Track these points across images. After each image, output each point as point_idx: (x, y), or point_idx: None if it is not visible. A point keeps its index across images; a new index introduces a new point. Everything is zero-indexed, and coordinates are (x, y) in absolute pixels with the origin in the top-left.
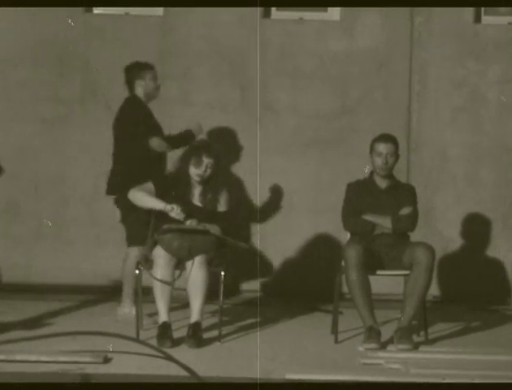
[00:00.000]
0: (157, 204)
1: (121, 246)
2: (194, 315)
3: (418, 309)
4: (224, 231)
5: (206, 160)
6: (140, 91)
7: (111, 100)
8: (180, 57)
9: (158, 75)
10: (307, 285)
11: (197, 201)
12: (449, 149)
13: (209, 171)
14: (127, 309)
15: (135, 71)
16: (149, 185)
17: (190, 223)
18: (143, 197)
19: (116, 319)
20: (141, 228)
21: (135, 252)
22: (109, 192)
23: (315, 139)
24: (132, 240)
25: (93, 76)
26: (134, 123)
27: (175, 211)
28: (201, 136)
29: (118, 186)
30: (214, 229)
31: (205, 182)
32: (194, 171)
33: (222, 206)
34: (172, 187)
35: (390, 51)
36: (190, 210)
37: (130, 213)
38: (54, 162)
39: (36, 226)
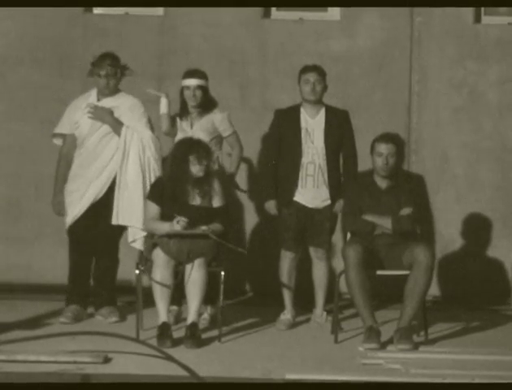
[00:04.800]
0: (168, 227)
1: (121, 248)
2: (191, 316)
3: (418, 309)
4: (225, 226)
5: (198, 155)
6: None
7: None
8: (180, 57)
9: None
10: (306, 285)
11: (192, 200)
12: (448, 149)
13: (205, 162)
14: (288, 315)
15: None
16: (153, 207)
17: (180, 224)
18: (156, 226)
19: (278, 328)
20: (291, 233)
21: (288, 255)
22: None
23: None
24: (283, 245)
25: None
26: None
27: (181, 223)
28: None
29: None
30: (215, 227)
31: (197, 179)
32: (195, 169)
33: (217, 201)
34: (166, 189)
35: (390, 51)
36: (187, 211)
37: (279, 219)
38: (54, 162)
39: (37, 226)
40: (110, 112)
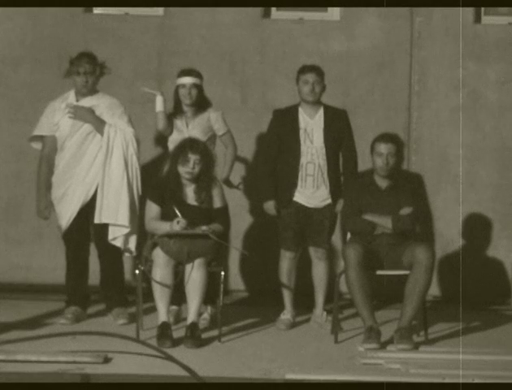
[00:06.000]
0: (168, 226)
1: None
2: (191, 316)
3: (418, 309)
4: (225, 227)
5: (193, 157)
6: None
7: None
8: (180, 57)
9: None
10: (306, 285)
11: (191, 200)
12: (448, 149)
13: (197, 167)
14: (288, 315)
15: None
16: (153, 207)
17: (180, 225)
18: (157, 226)
19: (278, 327)
20: (290, 232)
21: (287, 255)
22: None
23: None
24: (283, 244)
25: None
26: None
27: (180, 224)
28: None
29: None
30: (216, 227)
31: (196, 180)
32: (183, 170)
33: (217, 202)
34: (165, 189)
35: (390, 51)
36: (187, 211)
37: (278, 219)
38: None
39: (37, 226)
40: (92, 111)
